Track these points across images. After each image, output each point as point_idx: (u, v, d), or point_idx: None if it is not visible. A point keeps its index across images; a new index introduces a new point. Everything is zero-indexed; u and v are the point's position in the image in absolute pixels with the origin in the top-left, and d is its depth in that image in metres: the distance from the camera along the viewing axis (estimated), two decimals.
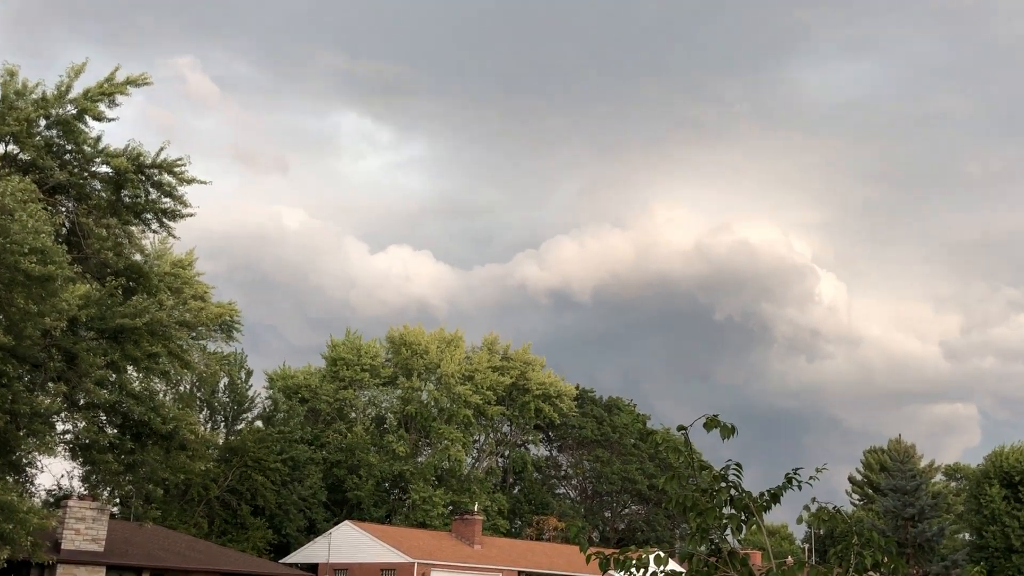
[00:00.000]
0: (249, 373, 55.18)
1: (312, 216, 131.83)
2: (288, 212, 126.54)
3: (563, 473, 75.48)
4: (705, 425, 6.56)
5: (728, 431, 6.33)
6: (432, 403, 62.73)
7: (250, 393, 54.97)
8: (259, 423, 55.46)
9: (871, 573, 6.18)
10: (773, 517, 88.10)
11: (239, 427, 54.42)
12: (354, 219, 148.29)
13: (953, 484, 77.55)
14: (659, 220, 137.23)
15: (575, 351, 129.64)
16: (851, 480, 77.69)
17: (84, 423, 24.61)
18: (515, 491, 70.28)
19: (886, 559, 6.29)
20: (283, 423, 55.58)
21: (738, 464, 6.48)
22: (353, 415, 62.43)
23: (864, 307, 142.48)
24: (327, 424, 60.09)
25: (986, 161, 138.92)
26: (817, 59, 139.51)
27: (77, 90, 24.46)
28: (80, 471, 28.70)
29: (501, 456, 70.10)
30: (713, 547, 6.44)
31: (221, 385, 53.60)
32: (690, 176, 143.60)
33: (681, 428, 6.66)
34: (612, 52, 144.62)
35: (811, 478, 6.33)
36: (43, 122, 24.15)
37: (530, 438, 70.26)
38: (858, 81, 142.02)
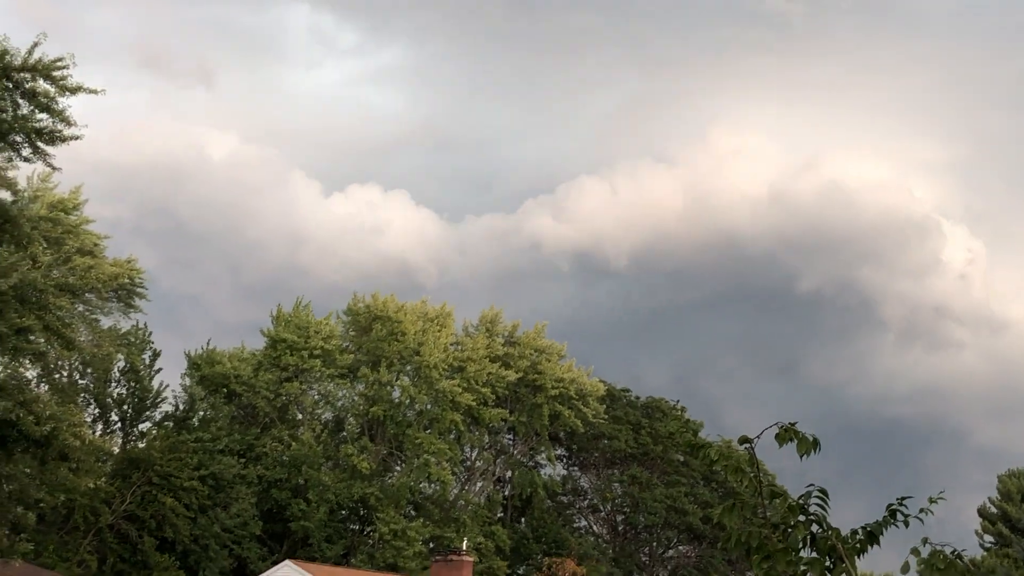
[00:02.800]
0: (156, 355, 55.40)
1: (247, 144, 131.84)
2: (215, 138, 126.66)
3: (586, 500, 75.94)
4: (777, 437, 6.53)
5: (808, 445, 6.27)
6: (407, 402, 62.91)
7: (157, 385, 55.23)
8: (170, 425, 55.75)
9: None
10: (872, 564, 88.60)
11: (142, 431, 54.71)
12: (304, 149, 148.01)
13: None
14: (721, 155, 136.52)
15: (607, 336, 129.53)
16: (982, 514, 77.92)
17: None
18: (520, 524, 70.68)
19: None
20: (203, 427, 55.85)
21: (823, 491, 6.45)
22: (300, 416, 62.66)
23: (1007, 278, 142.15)
24: (264, 429, 60.36)
25: None
26: None
27: None
28: None
29: (501, 477, 70.45)
30: None
31: (116, 372, 53.77)
32: (765, 96, 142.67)
33: (745, 441, 6.63)
34: None
35: (923, 511, 6.27)
36: None
37: (543, 453, 70.54)
38: None
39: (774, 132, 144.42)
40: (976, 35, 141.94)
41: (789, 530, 6.40)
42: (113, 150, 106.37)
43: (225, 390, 59.87)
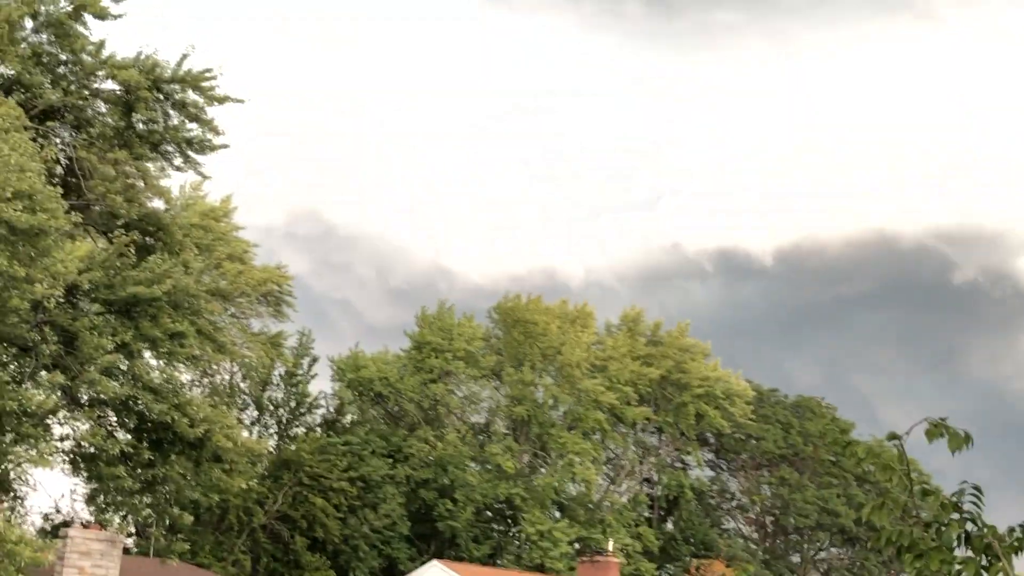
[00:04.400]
0: (314, 361, 56.63)
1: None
2: None
3: (735, 501, 75.03)
4: (927, 433, 6.34)
5: (960, 440, 6.09)
6: (551, 403, 63.02)
7: (314, 390, 56.42)
8: (321, 428, 56.90)
9: None
10: None
11: (296, 433, 55.86)
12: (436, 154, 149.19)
13: None
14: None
15: (755, 337, 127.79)
16: None
17: (88, 425, 25.57)
18: (667, 525, 70.20)
19: None
20: (351, 429, 56.81)
21: (977, 488, 6.26)
22: (445, 417, 63.26)
23: None
24: (411, 430, 61.07)
25: None
26: None
27: None
28: (84, 489, 29.82)
29: (647, 478, 70.07)
30: None
31: (276, 377, 55.05)
32: (910, 81, 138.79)
33: (893, 436, 6.46)
34: None
35: None
36: (29, 23, 25.03)
37: (690, 453, 69.98)
38: None
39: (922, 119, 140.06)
40: None
41: (943, 528, 6.23)
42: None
43: (372, 392, 60.81)
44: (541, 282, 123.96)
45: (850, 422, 73.82)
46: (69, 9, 25.00)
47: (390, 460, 57.54)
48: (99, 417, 25.99)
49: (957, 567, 6.10)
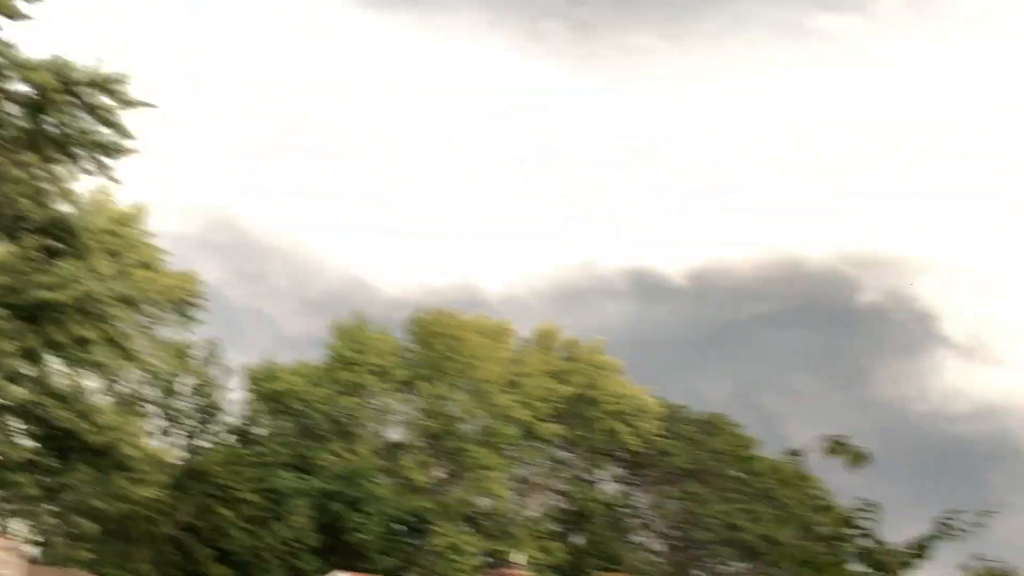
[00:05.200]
0: (226, 372, 56.05)
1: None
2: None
3: (642, 517, 75.42)
4: (827, 450, 6.45)
5: (857, 457, 6.20)
6: (464, 418, 62.95)
7: (224, 399, 55.74)
8: (231, 439, 56.23)
9: None
10: None
11: (205, 444, 55.16)
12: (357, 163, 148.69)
13: None
14: None
15: (666, 354, 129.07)
16: None
17: None
18: (575, 539, 70.36)
19: None
20: (262, 441, 56.24)
21: (874, 505, 6.37)
22: (357, 431, 62.87)
23: None
24: (322, 442, 60.58)
25: None
26: None
27: None
28: None
29: (557, 492, 70.23)
30: None
31: (185, 386, 54.33)
32: (820, 106, 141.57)
33: (794, 453, 6.55)
34: None
35: (974, 526, 6.15)
36: None
37: (600, 468, 70.35)
38: None
39: None
40: None
41: (840, 543, 6.34)
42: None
43: (284, 404, 60.22)
44: (459, 296, 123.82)
45: (756, 439, 74.64)
46: None
47: (300, 472, 57.08)
48: (2, 423, 25.46)
49: None
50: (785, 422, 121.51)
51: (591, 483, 70.54)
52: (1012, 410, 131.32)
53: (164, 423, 54.22)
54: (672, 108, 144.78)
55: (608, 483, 72.19)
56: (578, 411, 67.36)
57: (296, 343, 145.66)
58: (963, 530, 6.22)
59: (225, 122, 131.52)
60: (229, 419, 56.74)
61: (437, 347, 63.05)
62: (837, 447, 6.24)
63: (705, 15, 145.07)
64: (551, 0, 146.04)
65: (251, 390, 60.55)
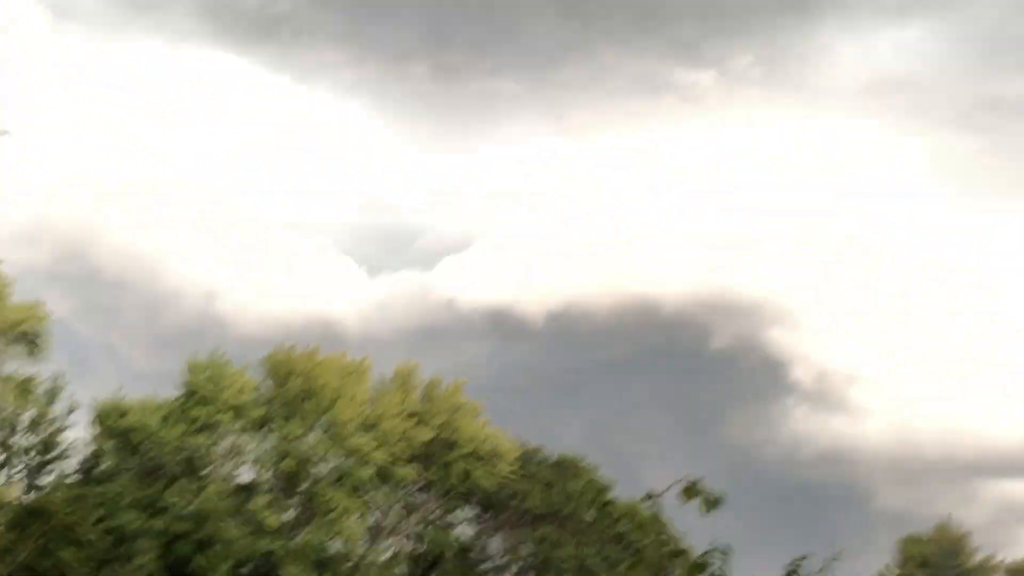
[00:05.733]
0: (72, 408, 54.48)
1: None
2: None
3: (496, 562, 75.29)
4: (682, 493, 6.50)
5: (711, 502, 6.27)
6: (319, 458, 62.23)
7: (66, 436, 54.14)
8: (75, 477, 54.59)
9: None
10: None
11: (46, 481, 53.45)
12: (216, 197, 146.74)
13: None
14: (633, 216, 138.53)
15: (524, 396, 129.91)
16: None
17: None
18: None
19: None
20: (109, 479, 54.76)
21: (725, 549, 6.42)
22: (207, 470, 61.59)
23: (910, 348, 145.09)
24: (170, 481, 59.23)
25: None
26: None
27: None
28: None
29: (412, 535, 69.76)
30: None
31: (25, 421, 52.66)
32: (677, 158, 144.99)
33: (649, 497, 6.59)
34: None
35: (821, 571, 6.28)
36: None
37: (455, 511, 70.10)
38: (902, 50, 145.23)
39: (685, 194, 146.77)
40: (877, 115, 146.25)
41: None
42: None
43: (132, 442, 58.75)
44: (316, 333, 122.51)
45: (611, 482, 75.37)
46: None
47: (147, 512, 55.68)
48: None
49: None
50: (639, 464, 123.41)
51: (446, 526, 70.26)
52: (855, 455, 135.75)
53: (2, 457, 52.32)
54: (530, 154, 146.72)
55: (463, 526, 72.01)
56: (435, 453, 67.18)
57: (147, 379, 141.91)
58: (815, 574, 6.37)
59: (82, 150, 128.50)
60: (73, 456, 54.95)
61: (292, 386, 62.30)
62: (691, 491, 6.33)
63: (567, 65, 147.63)
64: (417, 44, 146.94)
65: (98, 426, 58.97)
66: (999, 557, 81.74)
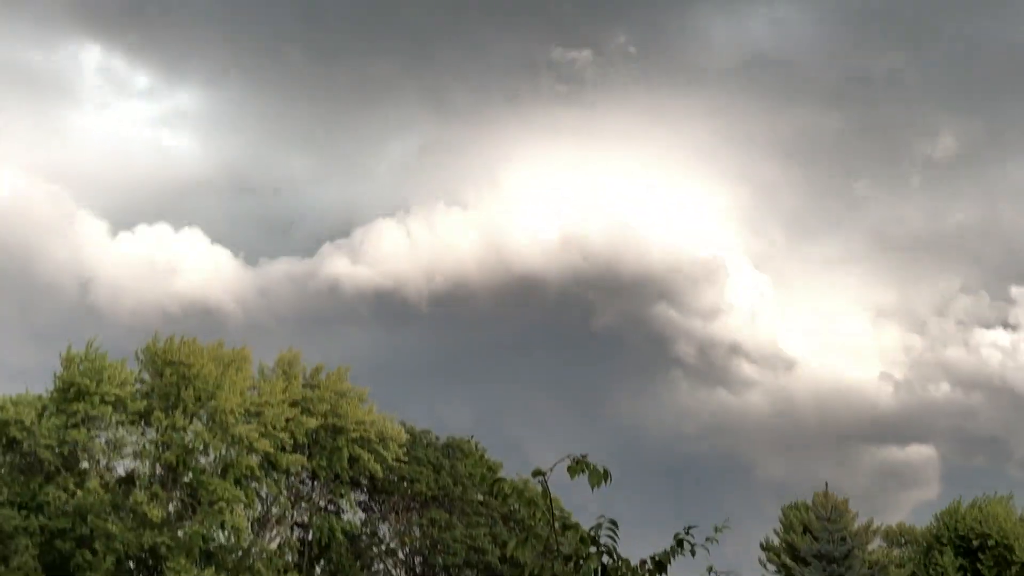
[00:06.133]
0: None
1: (31, 182, 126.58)
2: None
3: (385, 546, 75.27)
4: (569, 469, 6.53)
5: (599, 476, 6.30)
6: (201, 448, 61.47)
7: None
8: None
9: None
10: None
11: None
12: (92, 189, 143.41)
13: (896, 551, 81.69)
14: (514, 199, 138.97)
15: (410, 380, 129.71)
16: (764, 546, 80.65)
17: None
18: (317, 570, 69.64)
19: None
20: None
21: (613, 522, 6.47)
22: (86, 465, 60.45)
23: (788, 319, 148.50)
24: (48, 477, 58.04)
25: (935, 137, 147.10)
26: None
27: None
28: None
29: (300, 523, 69.39)
30: None
31: None
32: (555, 142, 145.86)
33: (538, 473, 6.62)
34: None
35: (708, 540, 6.37)
36: None
37: (343, 497, 69.89)
38: (775, 30, 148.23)
39: (564, 178, 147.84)
40: (753, 92, 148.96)
41: (581, 562, 6.42)
42: None
43: (5, 438, 57.46)
44: (197, 323, 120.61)
45: (498, 462, 75.93)
46: None
47: (23, 510, 54.53)
48: None
49: None
50: (527, 445, 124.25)
51: (334, 513, 70.01)
52: (738, 428, 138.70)
53: None
54: (415, 134, 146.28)
55: (351, 512, 71.85)
56: (321, 440, 66.90)
57: (21, 374, 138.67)
58: (698, 545, 6.46)
59: None
60: None
61: (171, 376, 61.34)
62: (579, 466, 6.37)
63: (443, 46, 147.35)
64: (292, 26, 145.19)
65: None
66: (877, 522, 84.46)
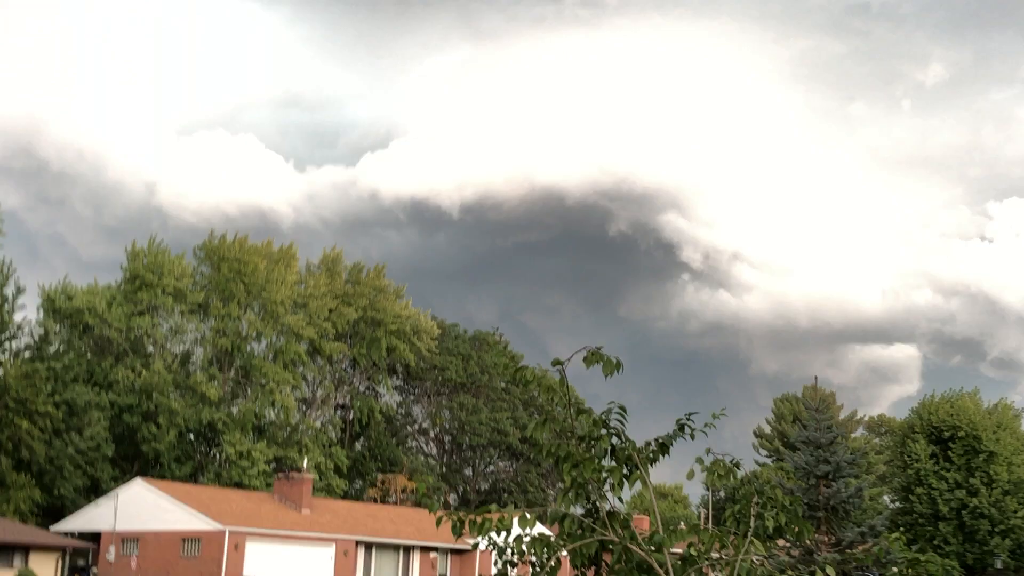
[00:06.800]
0: (19, 291, 53.21)
1: (101, 91, 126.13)
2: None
3: (418, 426, 76.30)
4: (585, 360, 6.59)
5: (612, 366, 6.37)
6: (254, 336, 62.05)
7: (17, 317, 53.10)
8: (25, 354, 53.71)
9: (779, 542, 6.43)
10: (666, 476, 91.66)
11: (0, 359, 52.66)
12: (153, 95, 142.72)
13: (876, 440, 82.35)
14: (537, 119, 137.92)
15: (442, 279, 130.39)
16: (757, 434, 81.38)
17: None
18: (357, 446, 70.69)
19: (791, 522, 6.54)
20: (57, 357, 54.02)
21: (622, 408, 6.54)
22: (151, 348, 61.14)
23: (787, 229, 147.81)
24: (117, 359, 58.75)
25: (927, 65, 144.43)
26: None
27: None
28: None
29: (341, 405, 70.25)
30: (590, 506, 6.54)
31: None
32: (575, 65, 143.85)
33: (557, 364, 6.68)
34: None
35: (707, 425, 6.47)
36: None
37: (380, 382, 70.63)
38: None
39: (587, 85, 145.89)
40: (755, 20, 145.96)
41: (593, 442, 6.51)
42: None
43: (81, 323, 58.05)
44: (251, 224, 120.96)
45: (520, 353, 76.43)
46: None
47: (95, 387, 55.25)
48: None
49: (604, 474, 6.39)
50: (546, 337, 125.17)
51: (373, 395, 70.88)
52: (737, 326, 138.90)
53: None
54: (450, 54, 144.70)
55: (388, 396, 72.75)
56: (361, 330, 67.50)
57: (94, 267, 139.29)
58: (697, 429, 6.57)
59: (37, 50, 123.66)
60: (24, 337, 53.98)
61: (226, 270, 61.74)
62: (594, 357, 6.47)
63: None
64: None
65: (45, 309, 58.04)
66: (861, 413, 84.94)
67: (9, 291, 52.15)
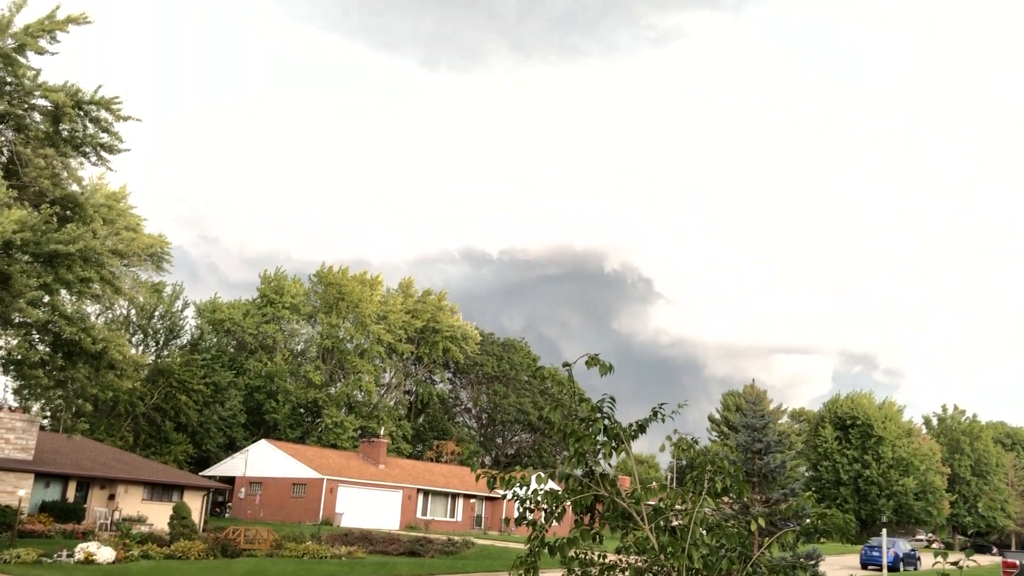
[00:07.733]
0: (185, 306, 53.86)
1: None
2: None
3: (464, 406, 76.03)
4: (587, 362, 6.60)
5: (606, 368, 6.38)
6: (348, 339, 62.24)
7: (183, 323, 53.67)
8: (188, 349, 54.18)
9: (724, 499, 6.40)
10: (643, 448, 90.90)
11: (168, 351, 53.13)
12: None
13: (796, 425, 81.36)
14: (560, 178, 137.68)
15: (484, 299, 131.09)
16: (710, 419, 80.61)
17: (16, 340, 23.52)
18: (419, 420, 70.59)
19: (734, 484, 6.51)
20: (208, 351, 54.46)
21: (612, 398, 6.53)
22: (274, 346, 61.46)
23: (735, 273, 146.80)
24: (250, 353, 59.05)
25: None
26: None
27: (18, 24, 22.88)
28: (12, 385, 27.54)
29: (408, 390, 70.16)
30: (588, 469, 6.52)
31: (157, 313, 52.27)
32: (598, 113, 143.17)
33: (566, 365, 6.69)
34: None
35: (673, 412, 6.46)
36: None
37: (437, 374, 70.50)
38: None
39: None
40: None
41: (591, 423, 6.50)
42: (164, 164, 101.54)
43: (224, 328, 58.54)
44: (352, 259, 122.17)
45: (538, 355, 76.28)
46: (15, 46, 22.63)
47: (234, 372, 55.63)
48: (25, 335, 23.92)
49: (598, 447, 6.37)
50: (559, 344, 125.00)
51: (431, 383, 70.78)
52: (695, 341, 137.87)
53: (141, 336, 51.79)
54: (497, 109, 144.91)
55: (442, 384, 72.60)
56: (425, 336, 67.52)
57: (239, 288, 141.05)
58: (667, 415, 6.57)
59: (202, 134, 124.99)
60: (186, 337, 54.56)
61: (331, 291, 62.09)
62: (593, 361, 6.49)
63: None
64: None
65: (201, 317, 58.59)
66: (785, 406, 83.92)
67: (178, 305, 52.80)
